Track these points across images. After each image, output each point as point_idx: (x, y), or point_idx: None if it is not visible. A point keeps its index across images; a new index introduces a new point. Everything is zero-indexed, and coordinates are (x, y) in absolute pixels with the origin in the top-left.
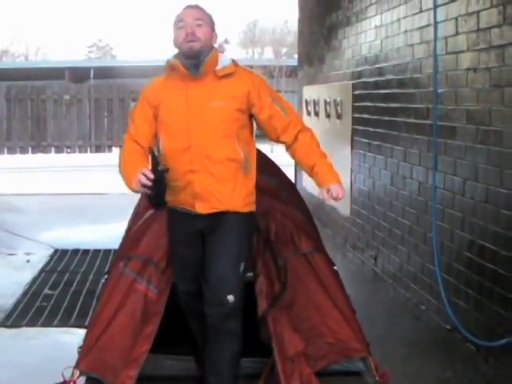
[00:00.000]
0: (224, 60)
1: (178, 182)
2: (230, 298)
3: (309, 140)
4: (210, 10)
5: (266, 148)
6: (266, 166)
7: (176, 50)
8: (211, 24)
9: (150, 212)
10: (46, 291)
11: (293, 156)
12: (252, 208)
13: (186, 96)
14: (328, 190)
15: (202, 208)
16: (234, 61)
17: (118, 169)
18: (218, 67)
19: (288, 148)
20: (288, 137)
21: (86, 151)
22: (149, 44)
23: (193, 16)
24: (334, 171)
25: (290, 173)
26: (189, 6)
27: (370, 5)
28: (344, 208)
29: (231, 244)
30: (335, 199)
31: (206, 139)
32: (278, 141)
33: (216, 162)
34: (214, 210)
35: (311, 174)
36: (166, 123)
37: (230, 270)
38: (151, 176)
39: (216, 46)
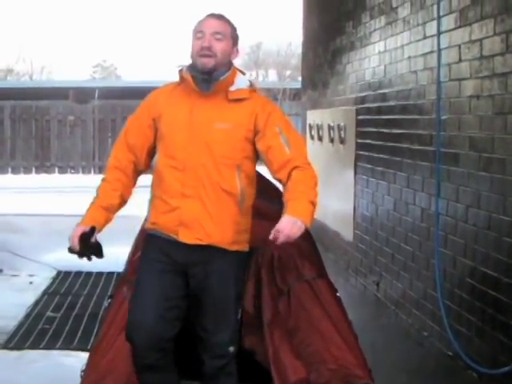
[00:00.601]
0: (241, 81)
1: (166, 203)
2: (231, 348)
3: (302, 177)
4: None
5: (267, 170)
6: (267, 189)
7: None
8: (233, 38)
9: None
10: (49, 313)
11: (284, 197)
12: (242, 247)
13: (190, 112)
14: (279, 222)
15: (185, 237)
16: (252, 84)
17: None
18: (233, 88)
19: (284, 188)
20: (283, 174)
21: (89, 172)
22: (154, 64)
23: (213, 27)
24: (304, 209)
25: None
26: (211, 15)
27: (374, 30)
28: (347, 233)
29: (227, 298)
30: (277, 234)
31: (203, 163)
32: (274, 178)
33: (210, 191)
34: (199, 242)
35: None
36: (165, 138)
37: (230, 325)
38: (76, 249)
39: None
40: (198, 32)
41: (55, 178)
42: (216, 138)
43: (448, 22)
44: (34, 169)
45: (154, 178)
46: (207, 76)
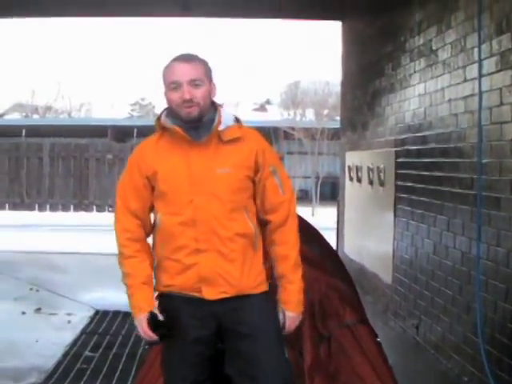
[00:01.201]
0: (227, 118)
1: (179, 263)
2: None
3: (294, 234)
4: (251, 71)
5: (306, 211)
6: (307, 233)
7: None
8: (208, 76)
9: None
10: (87, 353)
11: (268, 237)
12: (265, 288)
13: (187, 164)
14: (284, 316)
15: (209, 293)
16: (237, 119)
17: (119, 265)
18: (222, 127)
19: (270, 228)
20: (277, 217)
21: None
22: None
23: (188, 75)
24: (300, 296)
25: (330, 237)
26: (180, 59)
27: (414, 73)
28: (386, 275)
29: (267, 338)
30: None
31: (213, 213)
32: (262, 217)
33: (225, 239)
34: (224, 295)
35: (277, 278)
36: (165, 196)
37: (280, 361)
38: (154, 337)
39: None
40: (172, 83)
41: (93, 216)
42: (221, 185)
43: (489, 65)
44: (72, 206)
45: (158, 238)
46: (194, 123)
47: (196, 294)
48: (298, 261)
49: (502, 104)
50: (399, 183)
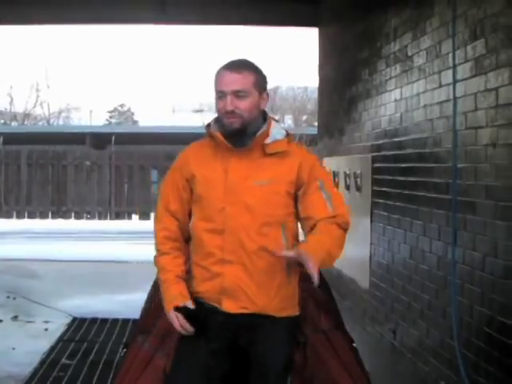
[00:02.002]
0: (276, 132)
1: (207, 270)
2: None
3: (339, 240)
4: None
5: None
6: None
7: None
8: (259, 87)
9: None
10: (64, 361)
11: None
12: (291, 312)
13: (225, 171)
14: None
15: (229, 306)
16: (288, 134)
17: (155, 263)
18: (269, 140)
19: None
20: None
21: (105, 217)
22: (171, 110)
23: (233, 85)
24: (318, 245)
25: None
26: (228, 67)
27: (390, 78)
28: (363, 280)
29: (275, 369)
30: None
31: (243, 224)
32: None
33: (251, 253)
34: (244, 311)
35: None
36: (200, 200)
37: None
38: (191, 330)
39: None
40: (219, 92)
41: (71, 224)
42: (255, 197)
43: (464, 70)
44: (50, 214)
45: (192, 243)
46: (238, 134)
47: (217, 305)
48: (333, 252)
49: (476, 109)
50: (376, 188)
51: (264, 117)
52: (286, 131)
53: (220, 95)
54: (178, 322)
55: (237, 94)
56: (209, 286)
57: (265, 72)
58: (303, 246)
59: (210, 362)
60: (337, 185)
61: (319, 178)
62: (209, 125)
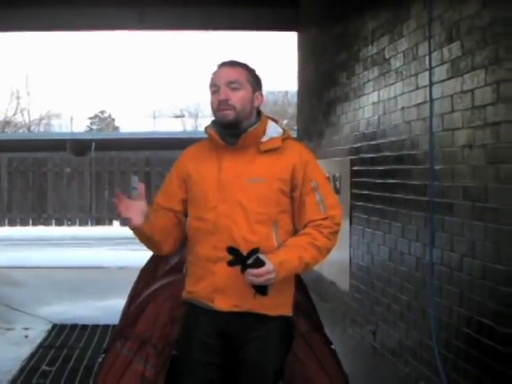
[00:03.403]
0: (273, 130)
1: (201, 269)
2: None
3: (326, 244)
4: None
5: None
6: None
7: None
8: (252, 83)
9: (149, 291)
10: (44, 367)
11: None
12: (285, 311)
13: (218, 169)
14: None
15: (221, 304)
16: (285, 132)
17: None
18: (264, 138)
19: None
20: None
21: (86, 224)
22: (152, 116)
23: (226, 77)
24: (289, 261)
25: None
26: (223, 64)
27: (368, 81)
28: (343, 283)
29: (266, 370)
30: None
31: (236, 222)
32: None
33: (244, 251)
34: (235, 309)
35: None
36: (195, 200)
37: None
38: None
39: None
40: (213, 86)
41: (52, 230)
42: (248, 194)
43: (440, 72)
44: (30, 221)
45: (188, 243)
46: (233, 129)
47: (210, 304)
48: (311, 261)
49: (453, 111)
50: (355, 191)
51: (260, 117)
52: (283, 130)
53: (214, 90)
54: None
55: (230, 86)
56: (203, 284)
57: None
58: (273, 256)
59: (206, 367)
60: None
61: (314, 179)
62: (207, 126)
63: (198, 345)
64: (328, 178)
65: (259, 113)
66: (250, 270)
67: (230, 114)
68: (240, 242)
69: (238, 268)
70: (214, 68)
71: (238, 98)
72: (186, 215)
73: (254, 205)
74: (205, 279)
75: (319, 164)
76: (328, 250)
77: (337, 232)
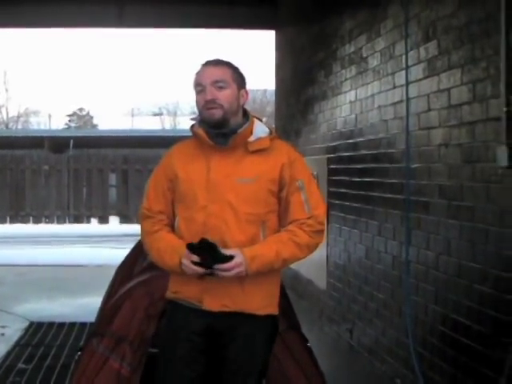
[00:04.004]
0: (260, 130)
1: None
2: None
3: (308, 243)
4: (188, 80)
5: None
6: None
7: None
8: (237, 81)
9: (125, 289)
10: (20, 365)
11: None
12: (272, 310)
13: (207, 169)
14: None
15: (210, 304)
16: (272, 132)
17: (150, 254)
18: (252, 138)
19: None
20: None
21: (64, 221)
22: (130, 113)
23: (211, 77)
24: (262, 258)
25: None
26: (207, 63)
27: (345, 80)
28: (320, 281)
29: (251, 367)
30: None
31: (225, 222)
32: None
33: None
34: (225, 309)
35: None
36: (184, 200)
37: None
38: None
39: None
40: (198, 85)
41: (30, 228)
42: (237, 194)
43: (417, 71)
44: (8, 218)
45: None
46: (219, 129)
47: (198, 304)
48: (289, 257)
49: (429, 110)
50: (332, 189)
51: (246, 116)
52: (270, 129)
53: (199, 89)
54: (191, 269)
55: (216, 85)
56: (191, 285)
57: None
58: (249, 249)
59: (190, 366)
60: None
61: (300, 179)
62: (193, 125)
63: (182, 342)
64: (314, 177)
65: (245, 111)
66: (219, 266)
67: (218, 113)
68: (230, 242)
69: None
70: (198, 67)
71: (224, 97)
72: (173, 216)
73: (244, 205)
74: (193, 279)
75: (306, 163)
76: (309, 248)
77: (320, 231)
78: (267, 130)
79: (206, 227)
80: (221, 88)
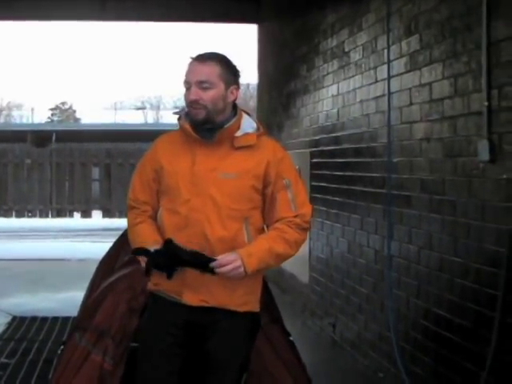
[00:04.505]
0: (247, 125)
1: None
2: None
3: (296, 240)
4: (170, 73)
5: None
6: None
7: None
8: (225, 79)
9: (107, 282)
10: (3, 360)
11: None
12: (252, 307)
13: (192, 163)
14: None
15: (189, 298)
16: (259, 128)
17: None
18: (238, 133)
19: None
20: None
21: (47, 216)
22: (113, 107)
23: (197, 76)
24: (257, 247)
25: None
26: (196, 59)
27: (327, 74)
28: (303, 275)
29: (232, 362)
30: (218, 267)
31: (207, 216)
32: (268, 227)
33: (215, 247)
34: (204, 304)
35: None
36: (168, 191)
37: None
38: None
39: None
40: (185, 82)
41: (12, 222)
42: (221, 189)
43: (398, 66)
44: None
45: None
46: (204, 125)
47: (177, 298)
48: (282, 253)
49: (411, 104)
50: (314, 183)
51: (235, 110)
52: (257, 124)
53: (186, 86)
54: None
55: (201, 86)
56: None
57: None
58: (243, 249)
59: (159, 346)
60: None
61: (286, 177)
62: (180, 117)
63: (162, 335)
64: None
65: (235, 105)
66: (214, 263)
67: (201, 114)
68: (211, 236)
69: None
70: (187, 60)
71: (208, 98)
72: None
73: (227, 200)
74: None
75: (292, 161)
76: (297, 244)
77: (306, 229)
78: (255, 125)
79: (188, 221)
80: (206, 88)
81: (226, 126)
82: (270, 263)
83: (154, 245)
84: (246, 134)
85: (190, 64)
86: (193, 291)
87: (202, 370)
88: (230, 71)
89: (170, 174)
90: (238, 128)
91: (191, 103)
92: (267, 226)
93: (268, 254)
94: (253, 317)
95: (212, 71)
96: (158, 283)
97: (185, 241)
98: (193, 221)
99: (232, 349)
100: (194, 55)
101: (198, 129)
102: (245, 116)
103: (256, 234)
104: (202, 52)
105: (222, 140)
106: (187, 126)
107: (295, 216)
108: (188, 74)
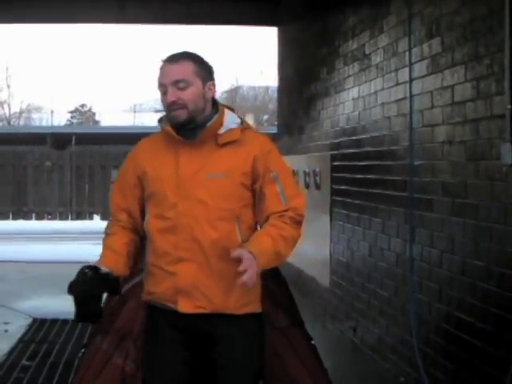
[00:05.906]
0: (230, 121)
1: (162, 270)
2: None
3: (292, 237)
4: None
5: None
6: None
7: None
8: (201, 75)
9: (128, 286)
10: (24, 362)
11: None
12: (252, 309)
13: (176, 165)
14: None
15: (185, 306)
16: (243, 122)
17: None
18: (222, 130)
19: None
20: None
21: (66, 218)
22: (133, 110)
23: (171, 76)
24: (264, 244)
25: None
26: (167, 60)
27: (348, 77)
28: (323, 279)
29: (243, 370)
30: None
31: (197, 219)
32: (260, 225)
33: (206, 250)
34: (201, 311)
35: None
36: (153, 197)
37: None
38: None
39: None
40: (160, 85)
41: (32, 224)
42: (209, 190)
43: (420, 68)
44: (10, 214)
45: (147, 242)
46: (186, 126)
47: (172, 306)
48: (283, 250)
49: (433, 107)
50: (335, 186)
51: (216, 107)
52: (241, 119)
53: (162, 90)
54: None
55: (177, 86)
56: (164, 286)
57: (226, 72)
58: (249, 245)
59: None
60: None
61: (273, 170)
62: (161, 119)
63: (165, 346)
64: (291, 170)
65: (215, 102)
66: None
67: (182, 114)
68: (203, 240)
69: (200, 268)
70: (159, 63)
71: (187, 97)
72: (142, 215)
73: (216, 201)
74: (166, 280)
75: (280, 154)
76: (294, 241)
77: (300, 222)
78: (238, 120)
79: (177, 226)
80: (183, 88)
81: (208, 124)
82: (275, 262)
83: (103, 266)
84: (230, 130)
85: (162, 66)
86: (188, 298)
87: (214, 379)
88: (204, 67)
89: (154, 179)
90: (221, 125)
91: (170, 105)
92: (259, 223)
93: (273, 255)
94: (254, 319)
95: (186, 69)
96: (152, 292)
97: (173, 246)
98: (181, 226)
99: (240, 356)
100: (164, 57)
101: (180, 130)
102: (227, 112)
103: (248, 232)
104: (171, 53)
105: (205, 139)
106: (169, 129)
107: (286, 210)
108: (162, 76)
